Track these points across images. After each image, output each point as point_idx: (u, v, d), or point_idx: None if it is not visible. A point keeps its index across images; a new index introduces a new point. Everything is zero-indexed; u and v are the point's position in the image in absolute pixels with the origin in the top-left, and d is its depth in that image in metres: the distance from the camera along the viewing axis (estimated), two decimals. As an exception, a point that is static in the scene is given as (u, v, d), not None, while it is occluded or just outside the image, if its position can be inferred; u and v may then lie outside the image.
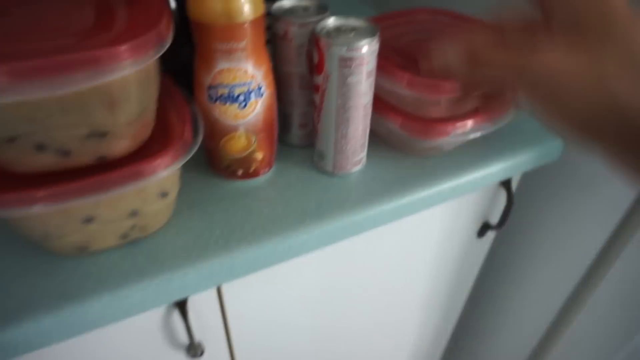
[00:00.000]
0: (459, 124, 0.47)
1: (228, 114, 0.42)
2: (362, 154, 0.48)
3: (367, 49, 0.40)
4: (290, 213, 0.44)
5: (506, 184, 0.60)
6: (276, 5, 0.45)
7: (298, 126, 0.50)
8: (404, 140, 0.48)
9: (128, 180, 0.34)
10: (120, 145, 0.34)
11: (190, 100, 0.43)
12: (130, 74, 0.30)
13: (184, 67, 0.43)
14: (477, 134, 0.48)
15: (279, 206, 0.45)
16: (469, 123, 0.47)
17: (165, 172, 0.36)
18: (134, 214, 0.37)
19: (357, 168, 0.49)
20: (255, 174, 0.48)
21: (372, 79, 0.42)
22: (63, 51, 0.27)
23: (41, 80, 0.27)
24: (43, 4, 0.34)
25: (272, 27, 0.44)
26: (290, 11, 0.45)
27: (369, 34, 0.41)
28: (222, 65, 0.39)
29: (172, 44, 0.33)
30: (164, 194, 0.38)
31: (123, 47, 0.28)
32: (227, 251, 0.40)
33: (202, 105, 0.42)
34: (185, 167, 0.48)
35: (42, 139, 0.30)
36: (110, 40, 0.29)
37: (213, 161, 0.47)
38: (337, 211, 0.44)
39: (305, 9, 0.45)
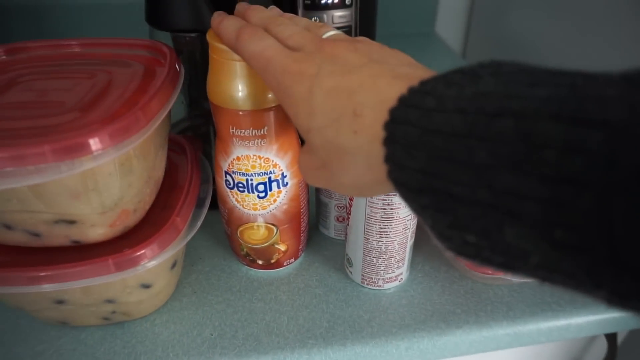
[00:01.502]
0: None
1: (246, 203, 0.37)
2: (400, 271, 0.39)
3: None
4: (293, 328, 0.37)
5: (610, 335, 0.45)
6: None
7: (334, 218, 0.43)
8: (458, 262, 0.38)
9: (96, 274, 0.30)
10: (95, 233, 0.31)
11: (209, 178, 0.39)
12: (94, 166, 0.26)
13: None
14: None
15: (284, 315, 0.38)
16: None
17: (144, 267, 0.32)
18: (109, 301, 0.34)
19: (392, 285, 0.39)
20: (277, 265, 0.42)
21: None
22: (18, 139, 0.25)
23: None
24: (50, 78, 0.33)
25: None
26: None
27: None
28: (239, 151, 0.35)
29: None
30: (145, 286, 0.34)
31: (53, 146, 0.25)
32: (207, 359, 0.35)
33: (220, 189, 0.38)
34: (210, 240, 0.45)
35: (5, 220, 0.28)
36: (65, 130, 0.26)
37: (232, 246, 0.42)
38: (350, 338, 0.36)
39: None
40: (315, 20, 0.48)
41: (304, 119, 0.23)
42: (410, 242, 0.37)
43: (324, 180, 0.25)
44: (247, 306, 0.39)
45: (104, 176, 0.28)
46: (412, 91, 0.18)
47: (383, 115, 0.19)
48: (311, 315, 0.38)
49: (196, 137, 0.43)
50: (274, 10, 0.31)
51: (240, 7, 0.31)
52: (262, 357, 0.35)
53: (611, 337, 0.44)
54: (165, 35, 0.43)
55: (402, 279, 0.40)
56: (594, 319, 0.38)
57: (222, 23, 0.29)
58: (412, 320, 0.37)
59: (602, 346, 0.48)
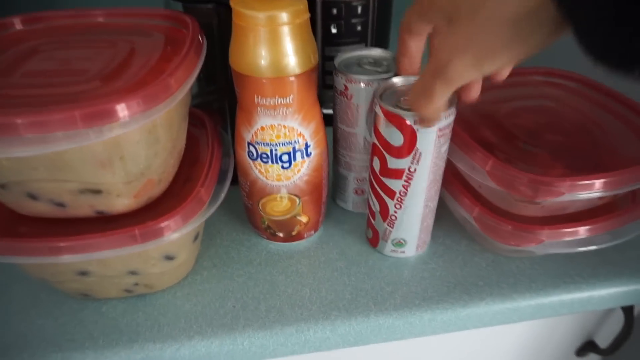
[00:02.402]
0: (559, 232, 0.35)
1: (269, 174, 0.37)
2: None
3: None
4: (316, 300, 0.37)
5: (627, 307, 0.45)
6: (340, 55, 0.38)
7: (353, 191, 0.43)
8: (481, 234, 0.38)
9: (122, 244, 0.30)
10: (120, 203, 0.30)
11: (229, 151, 0.39)
12: (121, 133, 0.26)
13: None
14: (586, 248, 0.35)
15: (306, 287, 0.38)
16: (576, 232, 0.35)
17: (168, 238, 0.31)
18: (133, 273, 0.34)
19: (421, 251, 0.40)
20: (298, 237, 0.42)
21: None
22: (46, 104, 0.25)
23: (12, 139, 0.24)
24: (74, 46, 0.32)
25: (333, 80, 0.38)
26: (356, 63, 0.38)
27: None
28: (264, 121, 0.34)
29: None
30: (169, 257, 0.34)
31: (83, 112, 0.24)
32: (232, 331, 0.35)
33: (241, 161, 0.37)
34: (227, 215, 0.45)
35: (31, 189, 0.28)
36: (95, 97, 0.25)
37: (252, 220, 0.42)
38: (373, 309, 0.36)
39: (375, 62, 0.38)
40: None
41: None
42: None
43: (476, 37, 0.24)
44: (269, 279, 0.39)
45: (131, 144, 0.28)
46: None
47: None
48: (333, 288, 0.38)
49: (217, 111, 0.43)
50: None
51: None
52: (286, 328, 0.35)
53: (628, 310, 0.44)
54: (179, 7, 0.42)
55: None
56: (616, 291, 0.38)
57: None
58: (434, 292, 0.37)
59: (616, 321, 0.48)
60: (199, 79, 0.49)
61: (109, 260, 0.32)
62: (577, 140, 0.38)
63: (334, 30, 0.50)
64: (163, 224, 0.31)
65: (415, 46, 0.32)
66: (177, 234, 0.32)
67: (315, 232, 0.42)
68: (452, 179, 0.39)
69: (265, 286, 0.38)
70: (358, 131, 0.39)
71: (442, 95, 0.27)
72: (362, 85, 0.36)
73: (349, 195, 0.44)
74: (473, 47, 0.24)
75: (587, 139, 0.39)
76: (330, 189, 0.45)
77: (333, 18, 0.49)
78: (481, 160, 0.34)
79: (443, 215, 0.43)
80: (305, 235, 0.42)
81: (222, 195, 0.35)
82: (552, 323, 0.48)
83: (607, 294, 0.38)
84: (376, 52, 0.39)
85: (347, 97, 0.37)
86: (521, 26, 0.22)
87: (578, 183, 0.32)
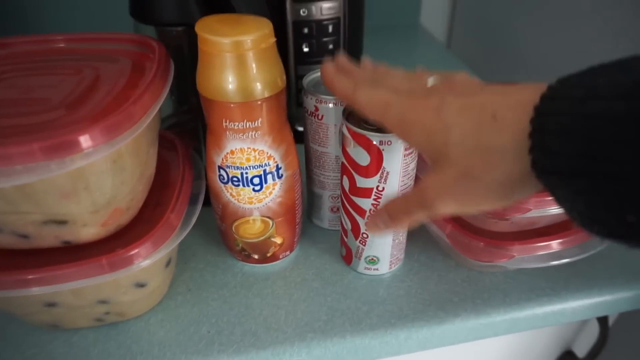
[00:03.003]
0: (529, 247, 0.35)
1: (241, 197, 0.36)
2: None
3: None
4: (292, 322, 0.36)
5: (602, 318, 0.45)
6: (309, 76, 0.39)
7: (329, 209, 0.43)
8: (455, 250, 0.38)
9: (90, 274, 0.30)
10: (87, 232, 0.30)
11: (201, 174, 0.38)
12: (84, 164, 0.25)
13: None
14: (557, 262, 0.36)
15: (282, 310, 0.38)
16: (545, 246, 0.35)
17: (138, 266, 0.31)
18: (103, 302, 0.33)
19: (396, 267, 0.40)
20: (273, 258, 0.41)
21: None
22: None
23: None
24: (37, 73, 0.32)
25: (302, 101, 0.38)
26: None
27: None
28: (233, 145, 0.34)
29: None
30: (140, 285, 0.34)
31: (43, 144, 0.24)
32: (206, 357, 0.34)
33: (213, 185, 0.37)
34: (202, 237, 0.44)
35: (-8, 222, 0.27)
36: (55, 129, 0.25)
37: (226, 242, 0.41)
38: (349, 330, 0.36)
39: (345, 81, 0.38)
40: (304, 12, 0.48)
41: (440, 137, 0.24)
42: None
43: (462, 190, 0.24)
44: (244, 302, 0.38)
45: (95, 174, 0.27)
46: (552, 88, 0.20)
47: (525, 113, 0.21)
48: (309, 309, 0.37)
49: (189, 133, 0.43)
50: (374, 65, 0.33)
51: (345, 64, 0.33)
52: (261, 352, 0.35)
53: (603, 320, 0.45)
54: (150, 30, 0.42)
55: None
56: (588, 303, 0.38)
57: (337, 77, 0.31)
58: (410, 310, 0.37)
59: (592, 331, 0.49)
60: (172, 99, 0.49)
61: (77, 290, 0.31)
62: None
63: (305, 50, 0.51)
64: (132, 252, 0.30)
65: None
66: (148, 261, 0.31)
67: (291, 252, 0.42)
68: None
69: (240, 309, 0.38)
70: (330, 150, 0.39)
71: (420, 218, 0.28)
72: (331, 105, 0.36)
73: (324, 214, 0.44)
74: (458, 196, 0.25)
75: None
76: (305, 207, 0.45)
77: (304, 37, 0.50)
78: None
79: (418, 232, 0.43)
80: (281, 256, 0.41)
81: (194, 219, 0.35)
82: (532, 334, 0.48)
83: (579, 306, 0.38)
84: (345, 72, 0.39)
85: (317, 117, 0.38)
86: (506, 189, 0.23)
87: (544, 199, 0.33)
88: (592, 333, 0.48)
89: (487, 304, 0.37)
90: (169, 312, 0.38)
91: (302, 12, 0.48)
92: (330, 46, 0.51)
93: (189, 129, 0.52)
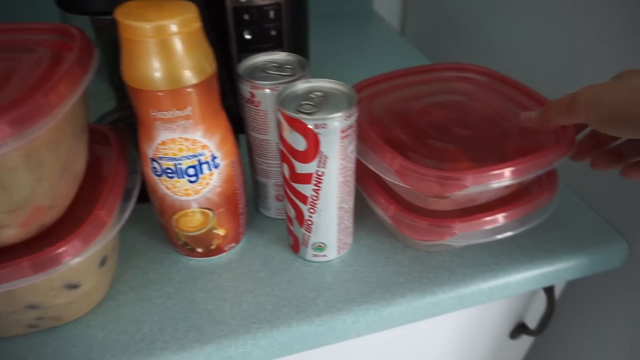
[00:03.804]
0: (471, 223, 0.35)
1: (177, 189, 0.35)
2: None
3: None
4: (237, 314, 0.36)
5: (548, 287, 0.47)
6: (244, 62, 0.38)
7: (274, 198, 0.42)
8: (399, 232, 0.38)
9: (11, 278, 0.28)
10: (6, 234, 0.28)
11: (137, 168, 0.37)
12: (-9, 160, 0.24)
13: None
14: (501, 236, 0.36)
15: (227, 302, 0.37)
16: (486, 222, 0.36)
17: (67, 265, 0.29)
18: (33, 307, 0.31)
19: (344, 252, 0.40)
20: (218, 251, 0.40)
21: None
22: None
23: None
24: None
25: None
26: (261, 69, 0.37)
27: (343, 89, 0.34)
28: (164, 135, 0.33)
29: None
30: (72, 286, 0.32)
31: None
32: (148, 356, 0.33)
33: (148, 178, 0.36)
34: (146, 234, 0.43)
35: None
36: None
37: (169, 237, 0.40)
38: (296, 318, 0.35)
39: (280, 66, 0.37)
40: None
41: None
42: None
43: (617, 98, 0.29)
44: (189, 297, 0.37)
45: (6, 170, 0.26)
46: None
47: None
48: (255, 300, 0.37)
49: (127, 127, 0.41)
50: None
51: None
52: (205, 347, 0.34)
53: (549, 291, 0.46)
54: (83, 21, 0.40)
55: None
56: (530, 275, 0.39)
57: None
58: (357, 294, 0.37)
59: (542, 302, 0.50)
60: (116, 95, 0.47)
61: (3, 296, 0.29)
62: (484, 133, 0.39)
63: (248, 37, 0.50)
64: (58, 251, 0.29)
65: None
66: (78, 259, 0.30)
67: (236, 243, 0.41)
68: (368, 178, 0.39)
69: (184, 305, 0.37)
70: (270, 137, 0.38)
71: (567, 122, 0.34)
72: (268, 91, 0.35)
73: (270, 203, 0.43)
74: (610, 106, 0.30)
75: (495, 130, 0.40)
76: (251, 197, 0.44)
77: (245, 24, 0.49)
78: (389, 159, 0.34)
79: (366, 215, 0.43)
80: (226, 248, 0.40)
81: (127, 215, 0.34)
82: (485, 309, 0.49)
83: (522, 279, 0.39)
84: (280, 56, 0.39)
85: (254, 104, 0.37)
86: None
87: (481, 175, 0.33)
88: (542, 304, 0.50)
89: (433, 283, 0.38)
90: (109, 313, 0.36)
91: (241, -2, 0.47)
92: (273, 33, 0.50)
93: (132, 123, 0.50)
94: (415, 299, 0.37)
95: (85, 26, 0.39)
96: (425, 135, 0.39)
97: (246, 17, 0.48)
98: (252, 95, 0.36)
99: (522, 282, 0.39)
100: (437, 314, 0.38)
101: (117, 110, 0.50)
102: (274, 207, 0.43)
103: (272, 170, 0.40)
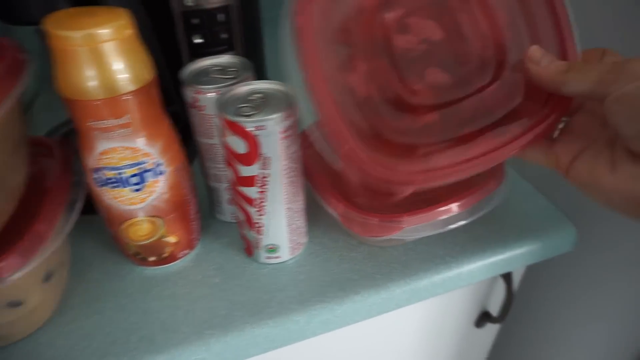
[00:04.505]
0: (419, 216, 0.36)
1: (122, 199, 0.35)
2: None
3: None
4: (190, 321, 0.35)
5: (506, 275, 0.47)
6: (188, 67, 0.37)
7: (227, 202, 0.42)
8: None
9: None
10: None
11: (81, 180, 0.36)
12: None
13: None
14: (449, 228, 0.37)
15: (180, 310, 0.36)
16: (434, 214, 0.36)
17: (5, 282, 0.29)
18: (-27, 327, 0.31)
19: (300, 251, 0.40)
20: (172, 259, 0.40)
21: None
22: None
23: None
24: None
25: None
26: (205, 73, 0.37)
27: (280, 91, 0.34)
28: (103, 145, 0.32)
29: None
30: (14, 304, 0.31)
31: None
32: (99, 371, 0.33)
33: (92, 189, 0.35)
34: (99, 246, 0.42)
35: None
36: None
37: (120, 247, 0.39)
38: (249, 321, 0.35)
39: (223, 70, 0.37)
40: (191, 2, 0.46)
41: None
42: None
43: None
44: (142, 307, 0.37)
45: None
46: None
47: None
48: (209, 306, 0.36)
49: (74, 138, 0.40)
50: None
51: None
52: (157, 356, 0.33)
53: (507, 278, 0.47)
54: (29, 32, 0.39)
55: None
56: (482, 264, 0.39)
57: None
58: (310, 294, 0.37)
59: (502, 289, 0.51)
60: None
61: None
62: (469, 78, 0.31)
63: (198, 41, 0.49)
64: (-6, 269, 0.28)
65: None
66: (17, 274, 0.29)
67: (191, 250, 0.41)
68: (317, 177, 0.39)
69: (137, 316, 0.36)
70: (217, 141, 0.38)
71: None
72: (210, 95, 0.35)
73: (225, 207, 0.43)
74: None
75: (485, 73, 0.31)
76: (206, 202, 0.44)
77: (195, 28, 0.48)
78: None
79: (320, 214, 0.43)
80: (180, 255, 0.40)
81: (69, 228, 0.33)
82: (446, 298, 0.49)
83: (475, 268, 0.39)
84: (224, 59, 0.38)
85: (199, 109, 0.36)
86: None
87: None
88: (502, 292, 0.50)
89: (386, 278, 0.38)
90: (60, 329, 0.36)
91: (189, 1, 0.46)
92: (224, 36, 0.50)
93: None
94: (368, 295, 0.37)
95: (31, 37, 0.39)
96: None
97: (195, 21, 0.48)
98: (196, 100, 0.36)
99: (476, 272, 0.39)
100: (392, 309, 0.38)
101: (70, 121, 0.50)
102: (228, 211, 0.43)
103: (223, 175, 0.40)
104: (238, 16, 0.50)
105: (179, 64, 0.52)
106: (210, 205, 0.44)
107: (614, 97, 0.24)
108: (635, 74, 0.24)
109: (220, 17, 0.49)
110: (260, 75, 0.59)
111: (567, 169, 0.30)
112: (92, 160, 0.33)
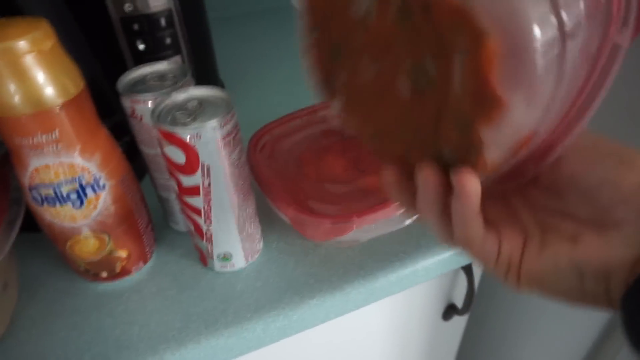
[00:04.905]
0: (368, 217, 0.36)
1: (62, 216, 0.34)
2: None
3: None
4: (144, 336, 0.35)
5: (466, 267, 0.48)
6: (125, 76, 0.36)
7: (180, 211, 0.41)
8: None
9: None
10: None
11: (20, 199, 0.35)
12: None
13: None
14: (400, 226, 0.37)
15: (135, 325, 0.36)
16: (382, 213, 0.36)
17: None
18: None
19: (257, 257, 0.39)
20: (125, 273, 0.39)
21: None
22: None
23: None
24: None
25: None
26: (142, 81, 0.36)
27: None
28: (35, 162, 0.31)
29: None
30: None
31: None
32: (49, 394, 0.32)
33: (32, 208, 0.34)
34: (51, 265, 0.41)
35: None
36: None
37: (70, 265, 0.38)
38: (204, 333, 0.34)
39: (161, 77, 0.36)
40: (129, 7, 0.45)
41: None
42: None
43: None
44: (95, 325, 0.36)
45: None
46: None
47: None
48: (164, 319, 0.36)
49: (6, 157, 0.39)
50: None
51: None
52: (110, 375, 0.33)
53: (468, 270, 0.47)
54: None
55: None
56: (438, 259, 0.39)
57: None
58: (266, 301, 0.36)
59: (465, 282, 0.51)
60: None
61: None
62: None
63: (141, 47, 0.48)
64: None
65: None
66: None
67: (145, 262, 0.40)
68: (267, 181, 0.38)
69: (90, 334, 0.35)
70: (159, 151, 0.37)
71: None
72: (146, 104, 0.34)
73: (178, 217, 0.42)
74: None
75: None
76: (160, 213, 0.43)
77: (136, 34, 0.47)
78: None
79: (275, 218, 0.42)
80: (133, 269, 0.39)
81: (6, 249, 0.32)
82: (410, 293, 0.50)
83: (430, 264, 0.39)
84: (162, 65, 0.37)
85: (137, 119, 0.35)
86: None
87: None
88: (465, 284, 0.51)
89: (342, 280, 0.38)
90: (8, 352, 0.35)
91: (127, 7, 0.45)
92: (169, 40, 0.49)
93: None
94: (325, 298, 0.36)
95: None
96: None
97: (136, 26, 0.46)
98: (133, 110, 0.35)
99: (431, 267, 0.39)
100: (350, 310, 0.38)
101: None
102: (182, 221, 0.42)
103: (171, 184, 0.39)
104: (181, 19, 0.49)
105: (124, 71, 0.51)
106: (164, 215, 0.43)
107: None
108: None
109: (162, 21, 0.47)
110: (213, 79, 0.58)
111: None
112: (27, 178, 0.32)
